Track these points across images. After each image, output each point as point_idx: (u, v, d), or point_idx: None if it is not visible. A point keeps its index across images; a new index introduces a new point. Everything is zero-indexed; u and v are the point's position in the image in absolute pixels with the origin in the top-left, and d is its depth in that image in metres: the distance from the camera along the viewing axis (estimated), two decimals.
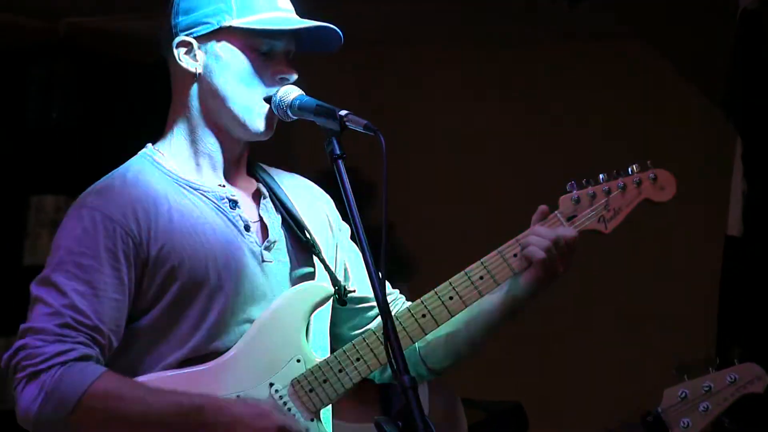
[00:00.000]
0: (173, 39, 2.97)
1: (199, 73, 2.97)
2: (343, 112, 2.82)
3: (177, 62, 2.98)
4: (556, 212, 3.06)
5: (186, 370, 2.89)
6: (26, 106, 5.95)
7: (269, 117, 2.97)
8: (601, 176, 3.08)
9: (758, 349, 4.02)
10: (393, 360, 2.65)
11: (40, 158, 5.93)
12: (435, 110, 6.24)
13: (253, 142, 3.04)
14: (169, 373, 2.88)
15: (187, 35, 2.96)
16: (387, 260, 2.72)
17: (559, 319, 5.62)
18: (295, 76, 2.98)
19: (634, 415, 3.66)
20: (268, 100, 2.96)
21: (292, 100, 2.93)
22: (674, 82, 5.84)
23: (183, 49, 2.97)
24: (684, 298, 5.70)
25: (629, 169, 3.08)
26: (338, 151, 2.79)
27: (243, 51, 2.95)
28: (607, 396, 5.24)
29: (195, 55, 2.96)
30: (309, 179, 3.26)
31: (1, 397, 5.75)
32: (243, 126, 2.97)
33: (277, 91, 2.95)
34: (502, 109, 6.23)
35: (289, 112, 2.94)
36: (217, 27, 2.95)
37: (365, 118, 2.81)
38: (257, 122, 2.96)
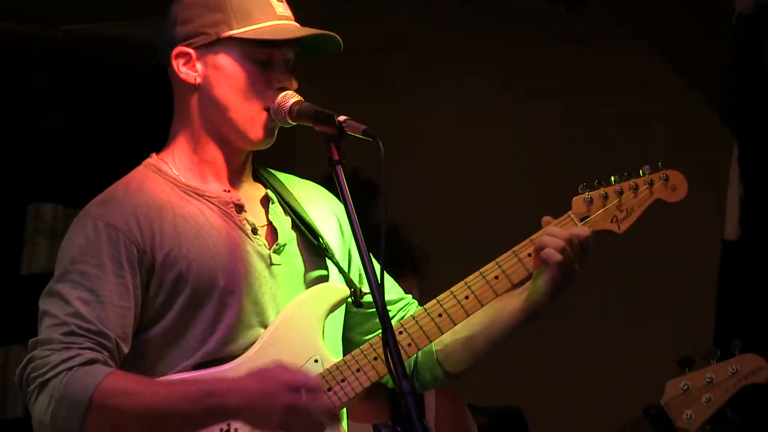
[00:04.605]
0: (172, 49, 2.99)
1: (199, 84, 2.98)
2: (341, 118, 2.83)
3: (176, 73, 2.99)
4: (569, 213, 3.07)
5: (204, 372, 2.90)
6: (24, 114, 5.92)
7: (268, 125, 2.98)
8: (612, 178, 3.09)
9: (758, 341, 4.01)
10: (391, 365, 2.67)
11: (38, 166, 5.89)
12: (435, 113, 6.25)
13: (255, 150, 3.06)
14: (186, 375, 2.88)
15: (185, 46, 2.98)
16: (386, 265, 2.73)
17: (557, 321, 5.64)
18: (295, 85, 3.00)
19: (637, 412, 3.66)
20: (267, 108, 2.97)
21: (291, 106, 2.94)
22: (672, 86, 5.84)
23: (182, 60, 2.98)
24: (682, 296, 5.73)
25: (640, 171, 3.09)
26: (337, 157, 2.81)
27: (242, 61, 2.96)
28: (608, 397, 5.25)
29: (194, 66, 2.98)
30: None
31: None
32: (243, 135, 2.99)
33: (275, 97, 2.96)
34: (501, 110, 6.24)
35: (287, 118, 2.95)
36: (215, 38, 2.96)
37: (364, 123, 2.81)
38: (257, 131, 2.98)
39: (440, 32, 6.04)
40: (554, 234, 3.02)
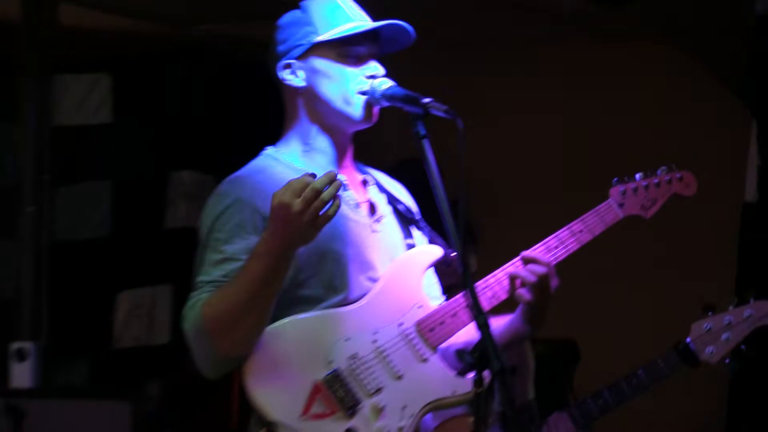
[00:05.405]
0: (277, 64, 3.30)
1: (303, 87, 3.28)
2: (426, 99, 3.08)
3: (284, 82, 3.30)
4: (609, 200, 3.43)
5: (318, 313, 3.18)
6: (166, 100, 6.52)
7: (368, 106, 3.25)
8: (636, 175, 3.48)
9: None
10: (473, 303, 2.90)
11: (178, 142, 6.53)
12: (488, 107, 6.32)
13: (355, 136, 3.35)
14: (302, 315, 3.16)
15: (287, 59, 3.29)
16: (464, 235, 2.96)
17: (607, 266, 5.67)
18: (383, 72, 3.27)
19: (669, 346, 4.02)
20: (363, 93, 3.25)
21: (385, 90, 3.23)
22: (695, 77, 5.99)
23: (287, 71, 3.28)
24: (706, 251, 5.97)
25: (658, 171, 3.49)
26: (423, 132, 3.06)
27: (334, 60, 3.26)
28: (646, 338, 5.07)
29: (296, 73, 3.28)
30: (393, 164, 3.69)
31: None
32: (347, 119, 3.27)
33: (372, 82, 3.24)
34: (554, 103, 6.40)
35: (382, 100, 3.23)
36: (308, 46, 3.28)
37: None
38: (358, 113, 3.26)
39: (492, 33, 6.18)
40: (531, 270, 3.26)
